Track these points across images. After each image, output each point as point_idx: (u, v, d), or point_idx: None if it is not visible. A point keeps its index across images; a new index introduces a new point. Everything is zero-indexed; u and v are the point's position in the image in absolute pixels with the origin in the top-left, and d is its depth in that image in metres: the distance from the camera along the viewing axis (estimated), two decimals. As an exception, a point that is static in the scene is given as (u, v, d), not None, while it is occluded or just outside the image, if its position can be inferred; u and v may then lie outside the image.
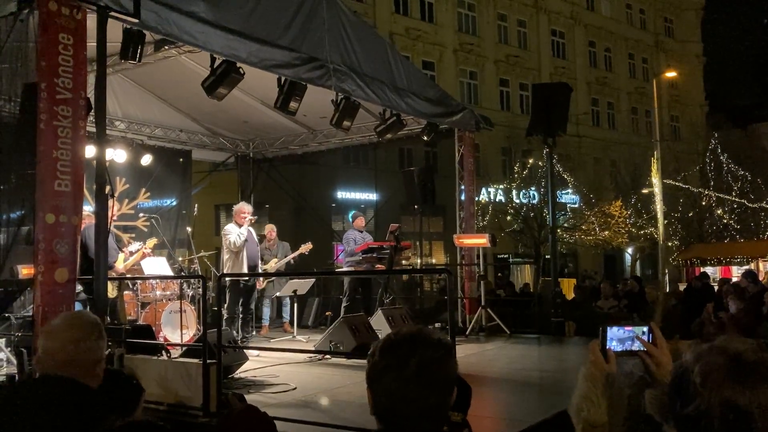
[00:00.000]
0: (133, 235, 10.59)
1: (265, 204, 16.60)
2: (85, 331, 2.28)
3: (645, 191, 27.59)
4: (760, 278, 15.63)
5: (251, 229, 9.06)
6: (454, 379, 1.70)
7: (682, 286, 16.64)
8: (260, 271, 10.26)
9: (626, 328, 1.90)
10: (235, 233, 8.65)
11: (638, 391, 1.86)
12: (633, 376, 1.90)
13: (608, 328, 1.89)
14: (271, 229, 11.06)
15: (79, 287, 7.12)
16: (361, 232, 10.32)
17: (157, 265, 9.14)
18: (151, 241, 9.16)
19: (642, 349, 1.88)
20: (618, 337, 1.89)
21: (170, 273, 9.44)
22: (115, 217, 9.00)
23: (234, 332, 8.09)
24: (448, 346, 1.71)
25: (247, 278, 8.89)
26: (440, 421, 1.67)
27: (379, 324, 8.63)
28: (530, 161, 26.37)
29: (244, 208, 8.96)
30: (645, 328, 1.90)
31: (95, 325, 2.33)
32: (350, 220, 10.86)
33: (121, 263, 8.45)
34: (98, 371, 2.28)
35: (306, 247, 10.33)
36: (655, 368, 1.86)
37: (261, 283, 10.62)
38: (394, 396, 1.62)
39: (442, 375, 1.66)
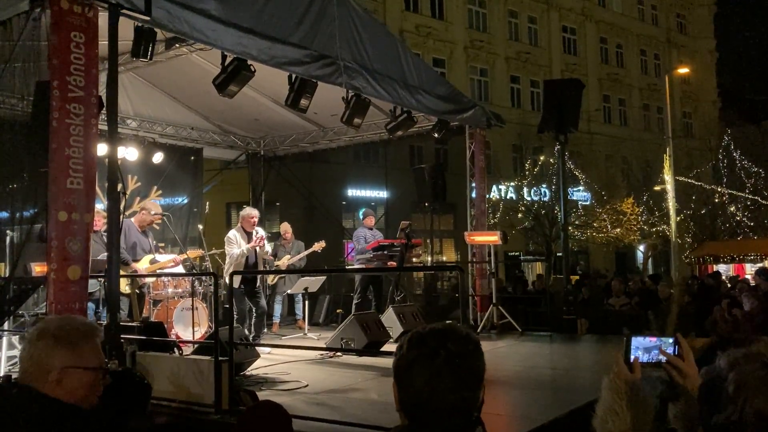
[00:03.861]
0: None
1: (275, 202, 16.65)
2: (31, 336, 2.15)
3: (657, 188, 27.43)
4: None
5: (258, 229, 8.89)
6: (483, 375, 1.68)
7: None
8: (273, 267, 10.29)
9: (651, 339, 1.87)
10: (236, 247, 8.48)
11: (663, 403, 1.83)
12: (657, 387, 1.87)
13: (633, 337, 1.86)
14: (287, 228, 11.11)
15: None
16: (371, 230, 10.30)
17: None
18: (195, 252, 9.25)
19: (666, 360, 1.85)
20: (644, 347, 1.85)
21: (182, 271, 9.48)
22: (159, 219, 9.09)
23: (245, 330, 8.09)
24: (476, 341, 1.69)
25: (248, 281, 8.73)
26: (469, 417, 1.64)
27: (390, 321, 8.62)
28: (541, 158, 26.30)
29: (253, 213, 8.81)
30: (671, 339, 1.86)
31: (44, 330, 2.15)
32: (360, 218, 10.85)
33: (144, 264, 8.47)
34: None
35: (319, 245, 10.32)
36: (682, 380, 1.82)
37: (272, 279, 10.64)
38: (425, 388, 1.59)
39: (472, 368, 1.64)
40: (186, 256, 8.99)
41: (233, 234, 8.63)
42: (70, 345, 2.10)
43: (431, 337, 1.65)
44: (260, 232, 8.71)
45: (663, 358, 1.85)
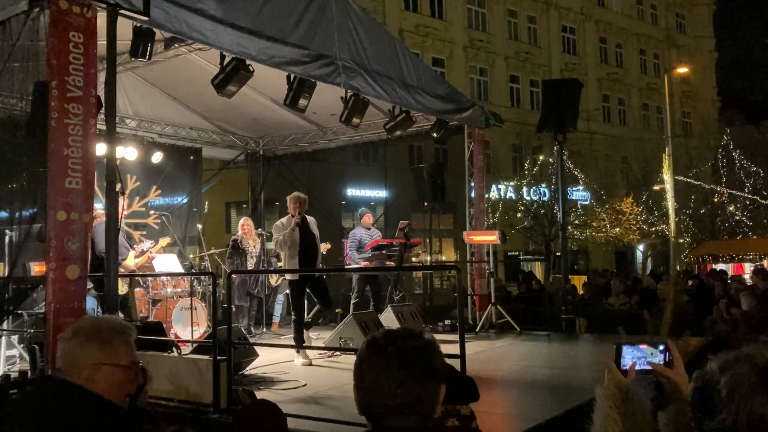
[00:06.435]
0: (144, 233, 10.65)
1: (275, 201, 16.63)
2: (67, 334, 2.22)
3: (656, 188, 27.42)
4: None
5: (311, 217, 8.28)
6: (439, 373, 1.67)
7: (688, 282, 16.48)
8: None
9: (641, 347, 1.88)
10: (279, 233, 7.93)
11: (653, 411, 1.83)
12: (649, 393, 1.87)
13: (623, 346, 1.87)
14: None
15: (89, 284, 7.18)
16: (369, 229, 10.24)
17: (168, 263, 9.18)
18: (165, 240, 9.18)
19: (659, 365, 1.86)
20: (635, 357, 1.87)
21: (181, 270, 9.48)
22: (125, 214, 8.99)
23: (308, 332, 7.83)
24: (429, 340, 1.70)
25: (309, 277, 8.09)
26: (427, 416, 1.63)
27: (389, 321, 8.62)
28: (540, 158, 26.29)
29: (302, 197, 8.15)
30: (661, 346, 1.87)
31: (78, 328, 2.23)
32: (358, 217, 10.82)
33: (131, 260, 8.49)
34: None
35: (325, 247, 10.20)
36: (671, 388, 1.82)
37: (276, 280, 10.62)
38: (373, 384, 1.61)
39: (423, 364, 1.63)
40: (152, 251, 8.80)
41: (280, 221, 8.10)
42: (102, 342, 2.17)
43: (383, 337, 1.68)
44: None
45: (649, 367, 1.85)
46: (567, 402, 5.28)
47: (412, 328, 1.74)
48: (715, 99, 40.93)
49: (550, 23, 32.96)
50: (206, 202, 12.78)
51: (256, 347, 6.79)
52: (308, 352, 7.42)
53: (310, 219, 8.21)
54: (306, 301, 9.77)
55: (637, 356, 1.86)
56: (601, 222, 27.00)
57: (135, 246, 8.88)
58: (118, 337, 2.21)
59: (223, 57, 7.37)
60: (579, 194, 28.13)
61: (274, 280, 10.63)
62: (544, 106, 10.86)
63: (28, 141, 5.65)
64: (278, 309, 10.86)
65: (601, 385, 1.81)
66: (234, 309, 9.16)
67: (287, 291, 10.60)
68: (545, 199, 26.34)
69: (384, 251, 9.73)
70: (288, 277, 8.33)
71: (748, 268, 22.52)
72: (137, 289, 8.72)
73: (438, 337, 3.59)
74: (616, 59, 36.50)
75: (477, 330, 9.99)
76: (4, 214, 5.83)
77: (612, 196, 27.42)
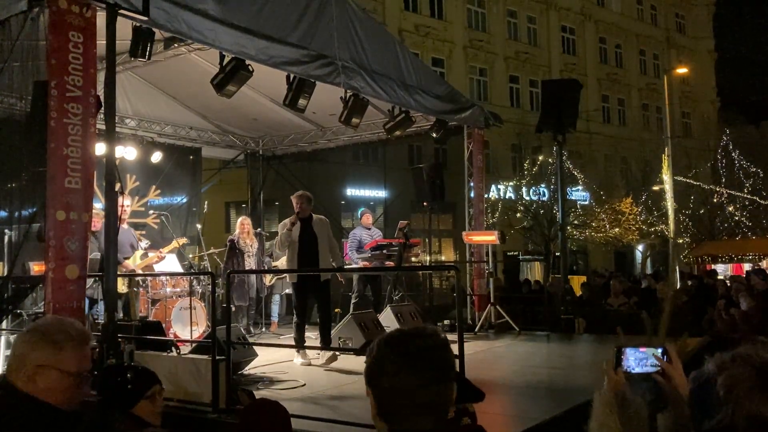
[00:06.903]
0: (144, 232, 10.65)
1: (274, 201, 16.65)
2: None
3: (656, 188, 27.43)
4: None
5: (321, 217, 8.08)
6: (454, 371, 1.68)
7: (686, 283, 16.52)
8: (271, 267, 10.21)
9: (641, 349, 1.89)
10: (281, 234, 7.70)
11: (652, 413, 1.83)
12: (647, 397, 1.88)
13: (624, 349, 1.89)
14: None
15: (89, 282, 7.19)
16: (369, 229, 10.25)
17: (167, 263, 9.18)
18: (181, 240, 9.20)
19: (656, 370, 1.87)
20: (635, 357, 1.88)
21: (180, 270, 9.48)
22: (127, 213, 9.01)
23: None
24: (444, 339, 1.70)
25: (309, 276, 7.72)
26: (443, 414, 1.62)
27: (388, 321, 8.63)
28: (540, 158, 26.30)
29: (302, 194, 7.95)
30: (659, 350, 1.89)
31: (35, 326, 2.22)
32: (359, 217, 10.83)
33: (136, 260, 8.49)
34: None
35: None
36: (670, 389, 1.83)
37: (270, 279, 10.63)
38: (396, 387, 1.59)
39: (440, 363, 1.63)
40: (161, 252, 8.87)
41: (284, 221, 7.87)
42: (52, 345, 2.12)
43: (399, 336, 1.67)
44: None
45: (652, 369, 1.86)
46: (566, 402, 5.28)
47: (424, 327, 1.73)
48: (714, 99, 40.96)
49: (549, 23, 32.97)
50: (206, 202, 12.78)
51: (255, 347, 6.79)
52: (308, 352, 7.42)
53: (319, 219, 7.94)
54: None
55: (639, 358, 1.87)
56: (601, 222, 27.01)
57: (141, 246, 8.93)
58: (71, 343, 2.16)
59: (222, 57, 7.37)
60: (578, 194, 28.14)
61: (267, 279, 10.63)
62: (543, 107, 10.86)
63: (27, 141, 5.66)
64: (275, 309, 10.84)
65: (599, 390, 1.81)
66: (233, 308, 9.17)
67: (286, 291, 10.63)
68: (545, 199, 26.35)
69: (383, 251, 9.75)
70: (288, 279, 8.30)
71: (747, 268, 22.54)
72: (135, 289, 8.73)
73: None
74: (615, 59, 36.51)
75: (476, 330, 9.99)
76: (3, 213, 5.84)
77: (611, 196, 27.44)
